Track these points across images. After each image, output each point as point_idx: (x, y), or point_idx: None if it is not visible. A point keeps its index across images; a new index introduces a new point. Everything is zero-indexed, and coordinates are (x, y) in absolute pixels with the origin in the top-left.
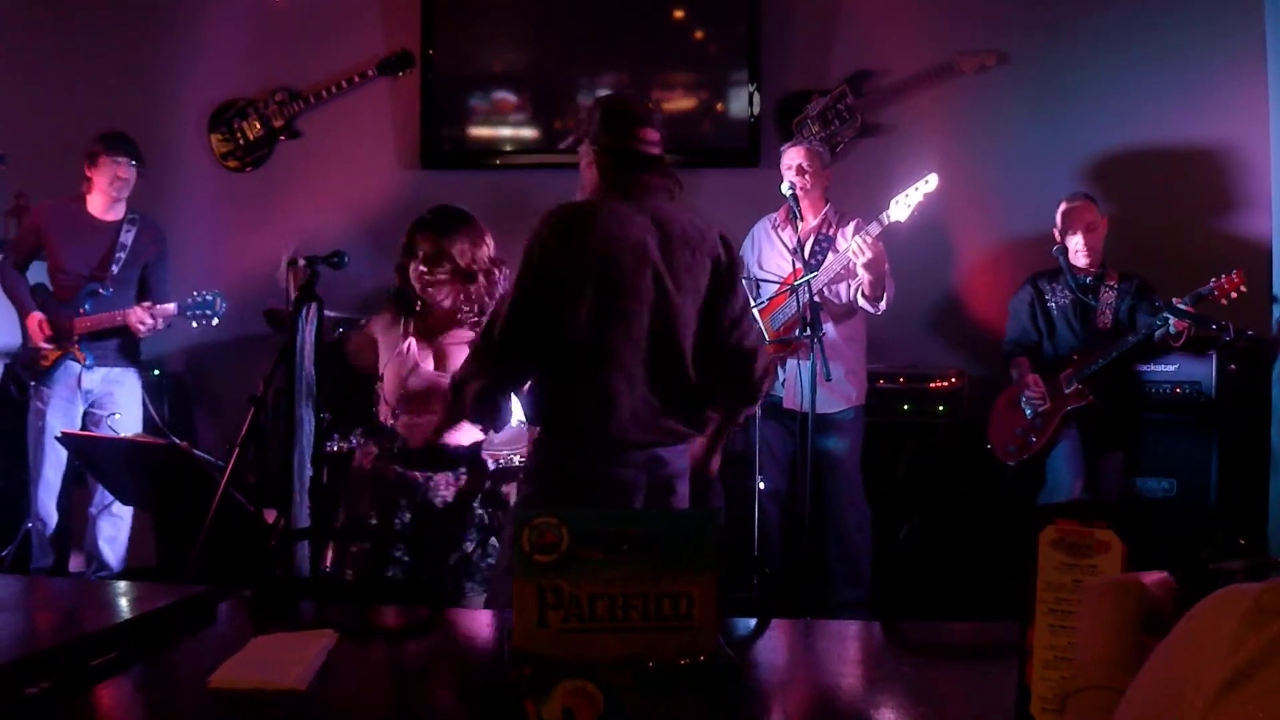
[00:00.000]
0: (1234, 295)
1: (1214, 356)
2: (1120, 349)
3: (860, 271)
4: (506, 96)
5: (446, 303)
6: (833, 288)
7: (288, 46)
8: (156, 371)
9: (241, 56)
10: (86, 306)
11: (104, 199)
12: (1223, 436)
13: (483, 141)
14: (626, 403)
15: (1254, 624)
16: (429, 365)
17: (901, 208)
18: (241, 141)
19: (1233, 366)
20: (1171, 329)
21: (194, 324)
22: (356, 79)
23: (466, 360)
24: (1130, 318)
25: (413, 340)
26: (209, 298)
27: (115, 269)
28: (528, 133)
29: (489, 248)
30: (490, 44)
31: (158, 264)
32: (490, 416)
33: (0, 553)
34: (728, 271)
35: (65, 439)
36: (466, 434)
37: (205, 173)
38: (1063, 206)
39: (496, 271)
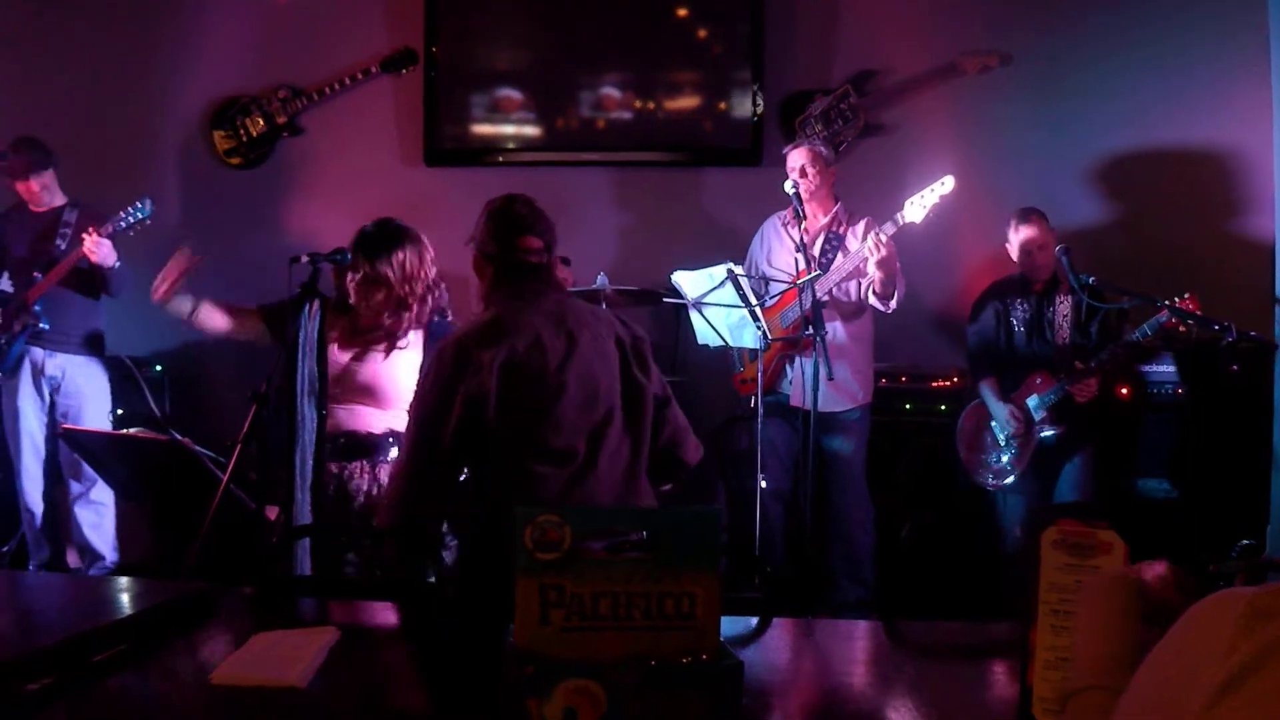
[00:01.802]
0: (1189, 323)
1: (1215, 357)
2: (1086, 376)
3: (872, 269)
4: (509, 94)
5: (380, 319)
6: (842, 286)
7: (291, 43)
8: (158, 367)
9: (245, 53)
10: (37, 275)
11: (30, 192)
12: (1224, 437)
13: (485, 139)
14: (600, 492)
15: (1248, 628)
16: (344, 358)
17: (917, 209)
18: (244, 138)
19: (1234, 367)
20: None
21: (130, 233)
22: (360, 76)
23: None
24: (1086, 328)
25: (335, 334)
26: (137, 204)
27: (61, 244)
28: (530, 130)
29: (428, 268)
30: (493, 42)
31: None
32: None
33: (0, 549)
34: (635, 348)
35: (66, 435)
36: (372, 419)
37: (208, 169)
38: (1014, 227)
39: (434, 295)
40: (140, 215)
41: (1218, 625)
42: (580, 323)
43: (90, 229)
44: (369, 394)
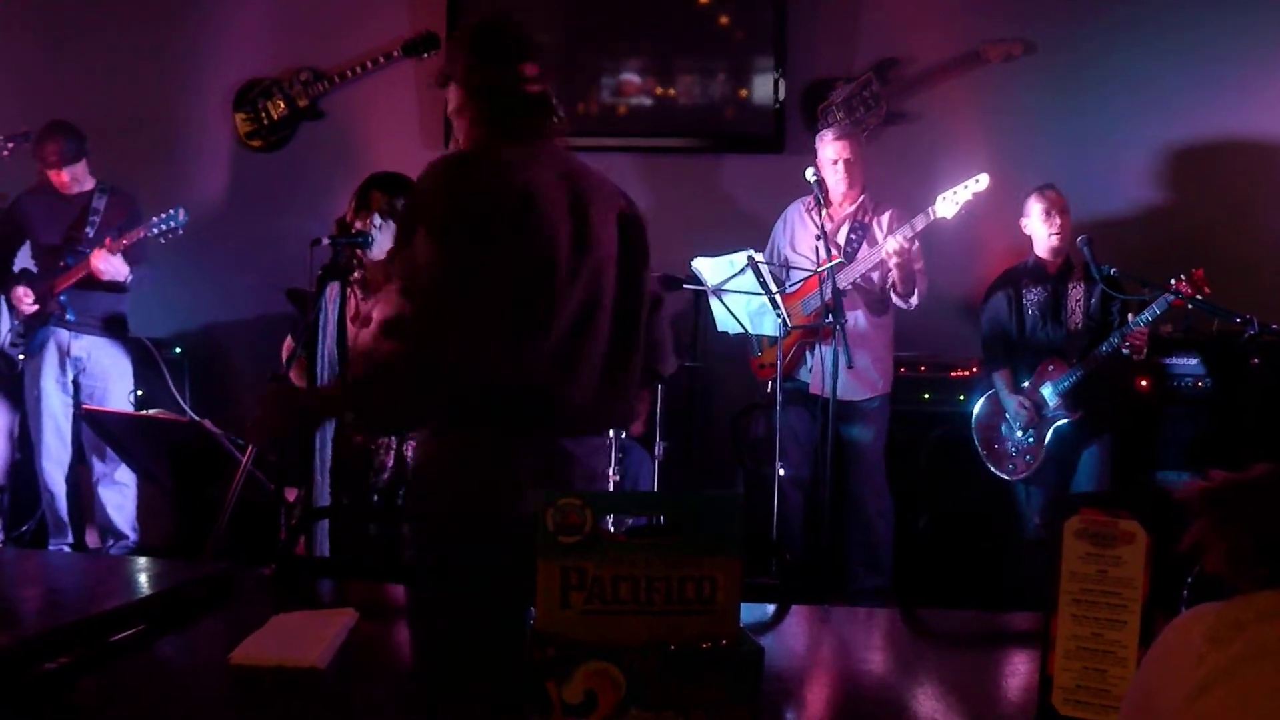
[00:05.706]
0: (1199, 296)
1: (1237, 350)
2: (1096, 363)
3: (892, 266)
4: None
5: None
6: (866, 274)
7: (313, 26)
8: (178, 349)
9: (267, 35)
10: (65, 262)
11: (60, 181)
12: (1245, 430)
13: None
14: (579, 382)
15: (1215, 640)
16: (353, 331)
17: (949, 205)
18: (265, 121)
19: (1256, 360)
20: (1126, 346)
21: (162, 240)
22: (381, 59)
23: (383, 334)
24: (1102, 314)
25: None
26: (170, 213)
27: (90, 231)
28: None
29: None
30: None
31: (129, 227)
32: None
33: (20, 529)
34: (639, 230)
35: (88, 416)
36: None
37: (229, 152)
38: (1047, 195)
39: None
40: (171, 224)
41: (1188, 640)
42: (589, 186)
43: (107, 240)
44: None
